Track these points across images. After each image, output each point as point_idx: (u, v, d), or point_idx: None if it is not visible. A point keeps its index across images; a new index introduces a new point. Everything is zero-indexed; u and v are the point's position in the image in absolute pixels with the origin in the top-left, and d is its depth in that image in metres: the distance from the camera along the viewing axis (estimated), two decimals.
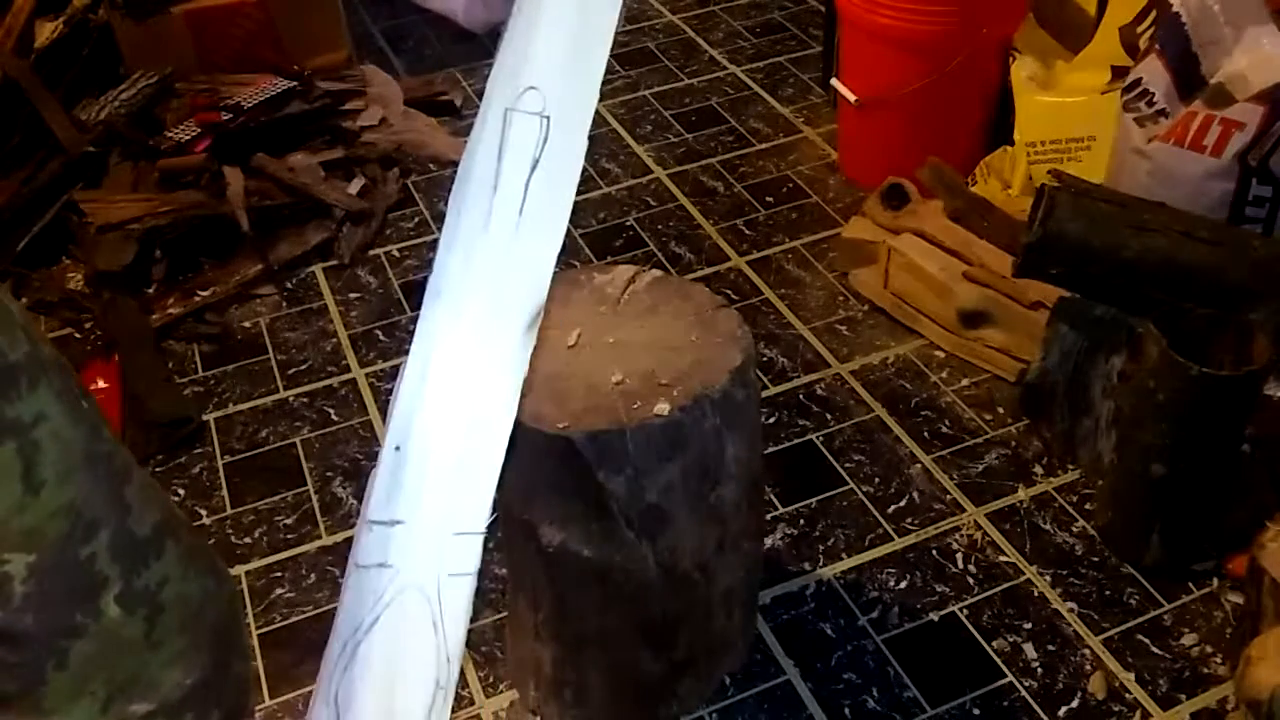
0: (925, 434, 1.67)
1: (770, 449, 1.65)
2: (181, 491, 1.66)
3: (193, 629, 0.71)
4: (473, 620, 1.44)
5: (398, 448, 0.62)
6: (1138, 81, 1.70)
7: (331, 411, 1.78)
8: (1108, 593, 1.43)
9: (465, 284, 0.67)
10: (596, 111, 2.73)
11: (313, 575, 1.52)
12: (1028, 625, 1.40)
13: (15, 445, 0.60)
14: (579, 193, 2.34)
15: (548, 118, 0.53)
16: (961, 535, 1.52)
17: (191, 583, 0.72)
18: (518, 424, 1.04)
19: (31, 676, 0.64)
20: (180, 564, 0.71)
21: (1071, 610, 1.41)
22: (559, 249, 0.61)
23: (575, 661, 1.26)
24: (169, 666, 0.70)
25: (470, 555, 0.57)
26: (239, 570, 1.52)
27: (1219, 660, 1.35)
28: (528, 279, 0.67)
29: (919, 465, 1.62)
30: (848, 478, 1.61)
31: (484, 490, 0.57)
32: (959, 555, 1.49)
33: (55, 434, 0.62)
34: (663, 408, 1.05)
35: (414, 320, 1.12)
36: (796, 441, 1.67)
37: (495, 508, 0.62)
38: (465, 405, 0.56)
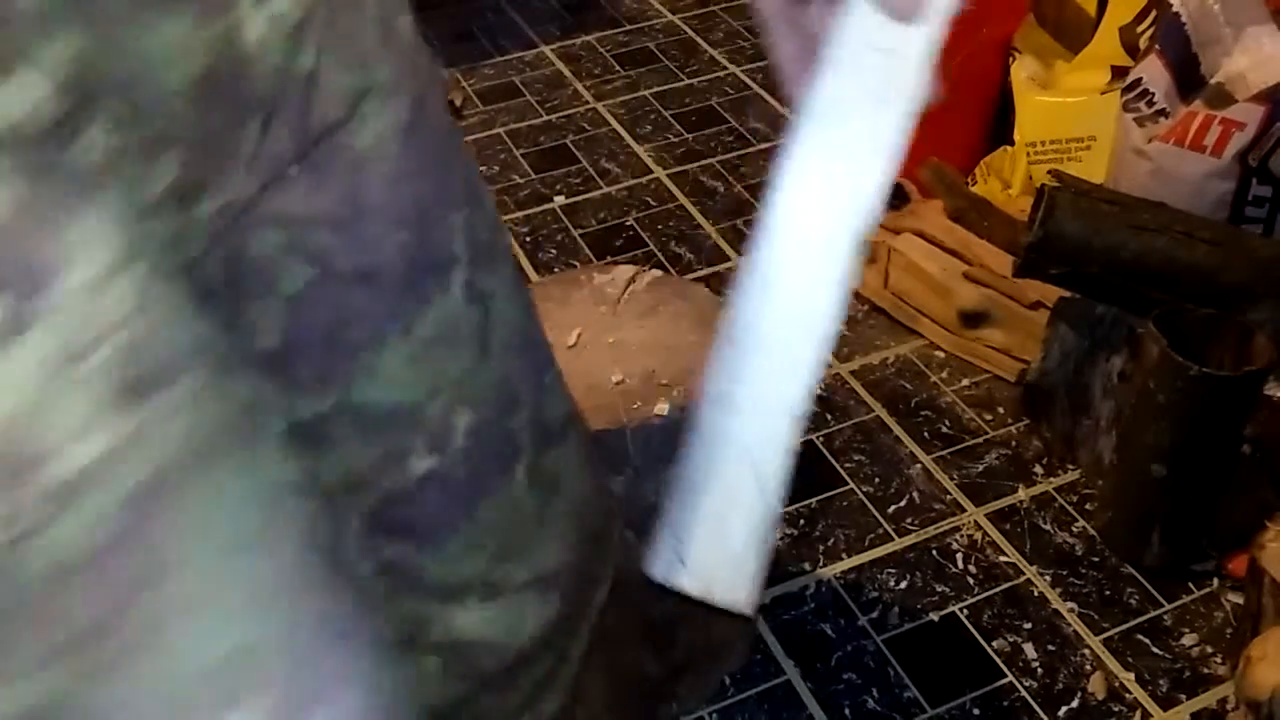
0: (925, 434, 1.67)
1: None
2: None
3: (576, 520, 0.77)
4: None
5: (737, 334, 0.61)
6: (1138, 81, 1.70)
7: None
8: (1108, 593, 1.43)
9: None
10: (596, 111, 2.74)
11: None
12: (1028, 625, 1.40)
13: (481, 313, 0.63)
14: (579, 193, 2.35)
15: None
16: (961, 535, 1.52)
17: (585, 481, 0.78)
18: None
19: (449, 522, 0.68)
20: (578, 458, 0.76)
21: (1071, 610, 1.41)
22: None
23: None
24: (550, 543, 0.74)
25: (793, 433, 0.58)
26: None
27: (1219, 660, 1.35)
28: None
29: (919, 465, 1.62)
30: (848, 478, 1.61)
31: (809, 378, 0.57)
32: (959, 555, 1.49)
33: (506, 311, 0.65)
34: (663, 408, 1.05)
35: None
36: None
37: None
38: (793, 301, 0.56)
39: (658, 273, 1.23)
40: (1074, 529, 1.52)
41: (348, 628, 0.50)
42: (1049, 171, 1.67)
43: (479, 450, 0.67)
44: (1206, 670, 1.34)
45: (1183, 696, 1.31)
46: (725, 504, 0.57)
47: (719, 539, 0.59)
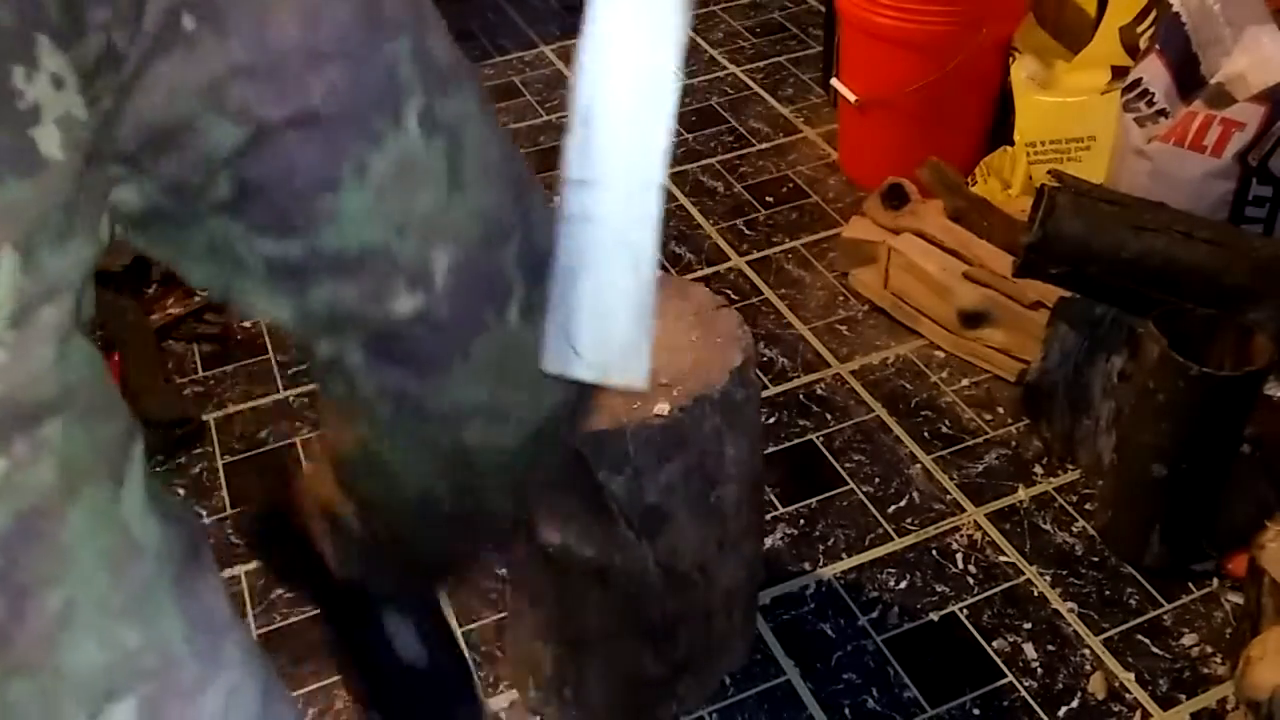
0: (925, 434, 1.67)
1: (770, 449, 1.65)
2: (182, 491, 1.66)
3: None
4: (473, 620, 1.45)
5: (584, 113, 0.61)
6: (1138, 81, 1.70)
7: None
8: (1108, 593, 1.43)
9: None
10: None
11: None
12: (1028, 625, 1.40)
13: (447, 143, 0.59)
14: None
15: None
16: (961, 535, 1.52)
17: None
18: None
19: (443, 359, 0.66)
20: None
21: (1071, 610, 1.41)
22: None
23: (575, 661, 1.26)
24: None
25: (656, 203, 0.59)
26: (239, 570, 1.52)
27: (1219, 660, 1.35)
28: None
29: (919, 465, 1.62)
30: (848, 478, 1.61)
31: (659, 144, 0.58)
32: (959, 555, 1.49)
33: (477, 138, 0.61)
34: (663, 408, 1.05)
35: None
36: (796, 441, 1.67)
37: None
38: (634, 68, 0.57)
39: (658, 273, 1.23)
40: (1074, 529, 1.52)
41: (217, 622, 0.54)
42: (1049, 171, 1.67)
43: (465, 287, 0.65)
44: (1206, 670, 1.34)
45: (1183, 696, 1.31)
46: (604, 285, 0.58)
47: (604, 320, 0.59)
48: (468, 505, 0.74)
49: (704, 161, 2.33)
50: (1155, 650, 1.36)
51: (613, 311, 0.58)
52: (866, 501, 1.57)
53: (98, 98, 0.45)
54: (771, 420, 1.71)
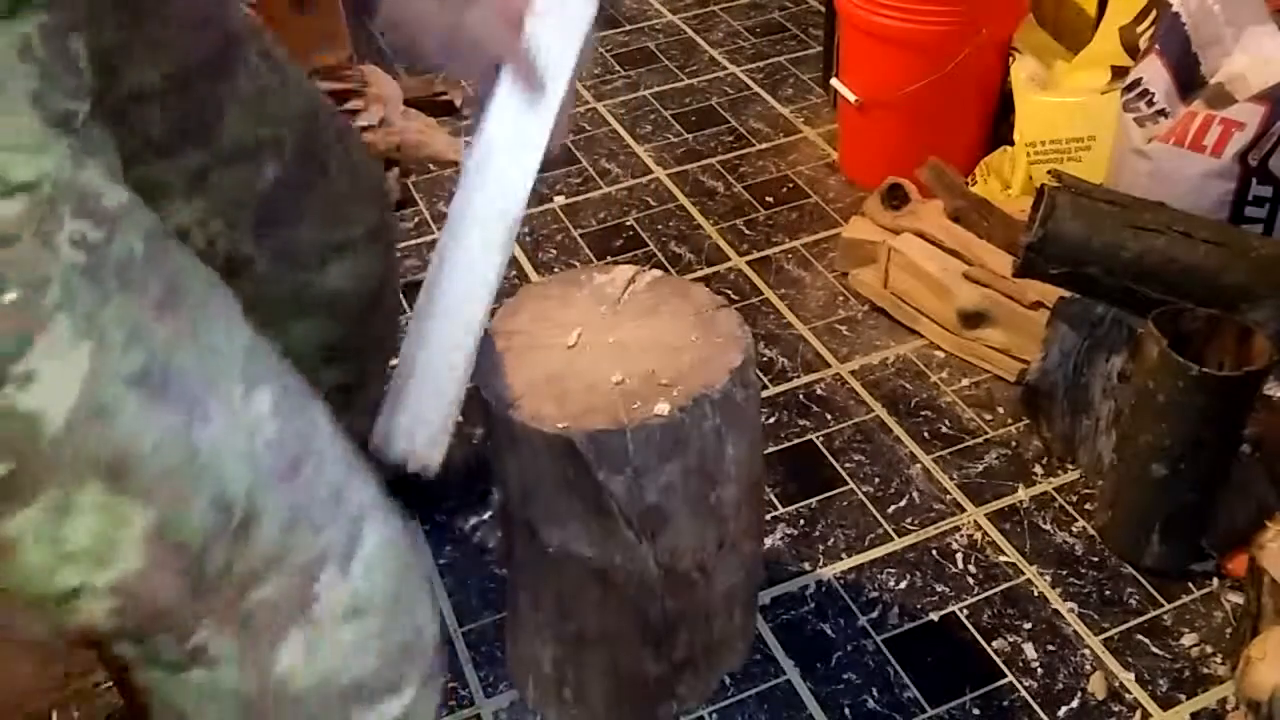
0: (925, 434, 1.67)
1: (770, 449, 1.65)
2: None
3: (375, 190, 1.18)
4: (473, 620, 1.44)
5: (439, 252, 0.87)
6: (1138, 81, 1.70)
7: None
8: (1108, 593, 1.43)
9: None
10: (596, 111, 2.75)
11: None
12: (1028, 625, 1.40)
13: (275, 69, 1.03)
14: (579, 193, 2.35)
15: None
16: (961, 535, 1.52)
17: (370, 164, 1.18)
18: (517, 424, 1.05)
19: (298, 207, 1.05)
20: (360, 147, 1.17)
21: (1071, 610, 1.41)
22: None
23: (575, 661, 1.26)
24: (366, 208, 1.11)
25: (472, 343, 0.88)
26: None
27: (1219, 660, 1.35)
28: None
29: (919, 465, 1.62)
30: (848, 478, 1.61)
31: (483, 302, 0.86)
32: (959, 555, 1.49)
33: (287, 62, 1.05)
34: (663, 408, 1.05)
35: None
36: (796, 441, 1.67)
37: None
38: (472, 244, 0.84)
39: (658, 273, 1.23)
40: (1074, 529, 1.52)
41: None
42: (1049, 171, 1.67)
43: (304, 154, 1.02)
44: (1206, 670, 1.34)
45: (1182, 696, 1.31)
46: (422, 396, 0.82)
47: (415, 422, 0.82)
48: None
49: (704, 161, 2.33)
50: (1155, 650, 1.36)
51: (420, 415, 0.82)
52: (866, 501, 1.57)
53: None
54: (771, 420, 1.71)
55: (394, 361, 0.86)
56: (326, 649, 0.67)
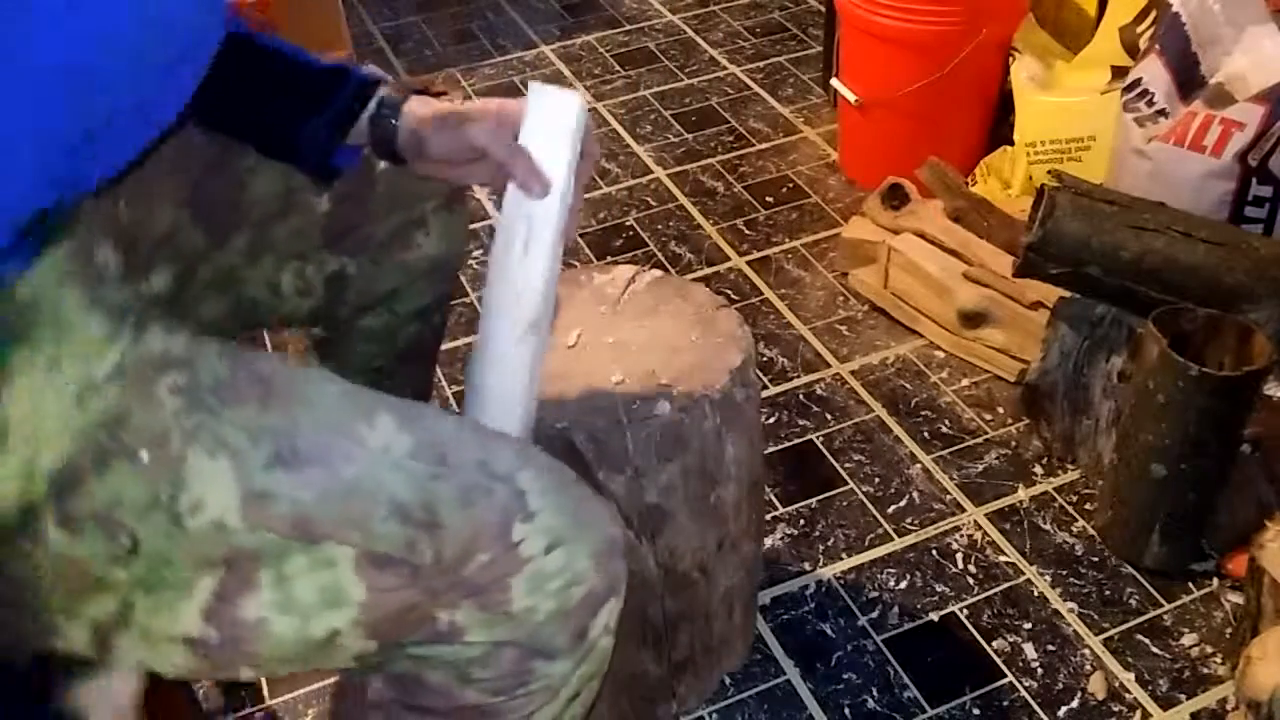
0: (925, 434, 1.67)
1: (770, 449, 1.65)
2: None
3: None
4: None
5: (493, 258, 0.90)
6: (1138, 81, 1.70)
7: None
8: (1108, 593, 1.43)
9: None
10: (596, 111, 2.74)
11: None
12: (1028, 625, 1.40)
13: None
14: None
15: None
16: (961, 535, 1.52)
17: None
18: None
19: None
20: None
21: (1071, 610, 1.41)
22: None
23: None
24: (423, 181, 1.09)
25: (537, 338, 0.91)
26: None
27: (1219, 660, 1.35)
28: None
29: (919, 465, 1.62)
30: (848, 478, 1.61)
31: (536, 293, 0.89)
32: (959, 555, 1.49)
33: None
34: (663, 408, 1.05)
35: None
36: (796, 441, 1.67)
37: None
38: (513, 260, 0.88)
39: (658, 273, 1.23)
40: (1074, 529, 1.52)
41: None
42: (1049, 171, 1.67)
43: None
44: (1206, 670, 1.34)
45: (1183, 696, 1.31)
46: (492, 389, 0.90)
47: (489, 420, 0.89)
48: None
49: (704, 161, 2.33)
50: (1155, 650, 1.36)
51: (497, 412, 0.89)
52: (866, 501, 1.57)
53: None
54: (771, 420, 1.71)
55: None
56: (547, 580, 0.76)
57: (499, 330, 0.89)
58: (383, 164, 1.08)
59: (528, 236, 0.88)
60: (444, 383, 1.82)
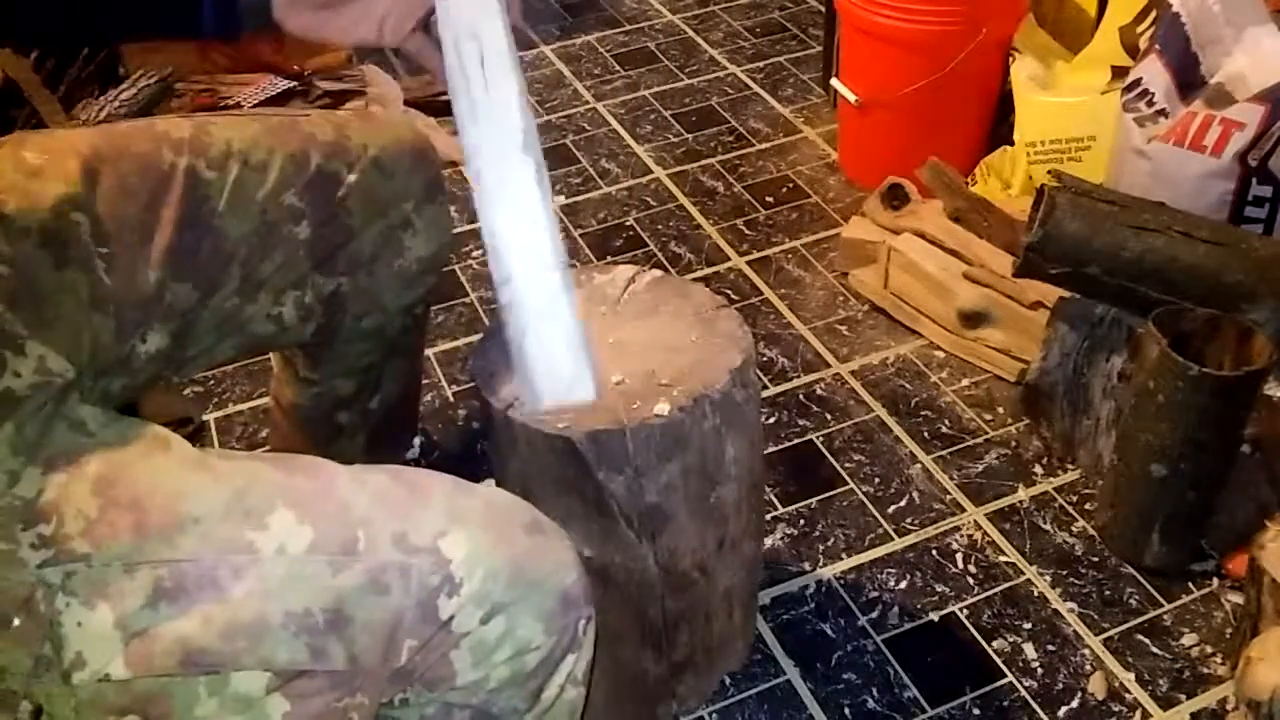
0: (925, 434, 1.67)
1: (770, 449, 1.65)
2: None
3: None
4: None
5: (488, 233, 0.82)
6: (1138, 81, 1.70)
7: None
8: (1108, 593, 1.43)
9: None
10: (596, 111, 2.74)
11: None
12: (1028, 625, 1.40)
13: None
14: (579, 192, 2.35)
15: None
16: (961, 535, 1.52)
17: None
18: (517, 424, 1.04)
19: None
20: None
21: (1071, 610, 1.41)
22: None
23: None
24: (398, 182, 1.14)
25: (559, 279, 0.80)
26: None
27: (1219, 660, 1.35)
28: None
29: (919, 465, 1.62)
30: (848, 478, 1.61)
31: (545, 243, 0.81)
32: (959, 555, 1.49)
33: None
34: (663, 408, 1.05)
35: None
36: (796, 441, 1.67)
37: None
38: (509, 205, 0.81)
39: (658, 273, 1.23)
40: (1074, 529, 1.52)
41: None
42: (1049, 171, 1.67)
43: (310, 187, 1.08)
44: (1206, 670, 1.34)
45: (1183, 696, 1.31)
46: (538, 345, 0.80)
47: (548, 368, 0.79)
48: None
49: (704, 161, 2.33)
50: (1155, 650, 1.36)
51: (550, 359, 0.79)
52: (866, 501, 1.57)
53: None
54: (771, 420, 1.71)
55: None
56: (491, 651, 0.72)
57: (490, 161, 0.82)
58: (351, 176, 1.07)
59: (480, 50, 0.84)
60: (444, 383, 1.82)
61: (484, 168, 0.81)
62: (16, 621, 0.64)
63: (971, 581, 1.46)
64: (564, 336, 0.80)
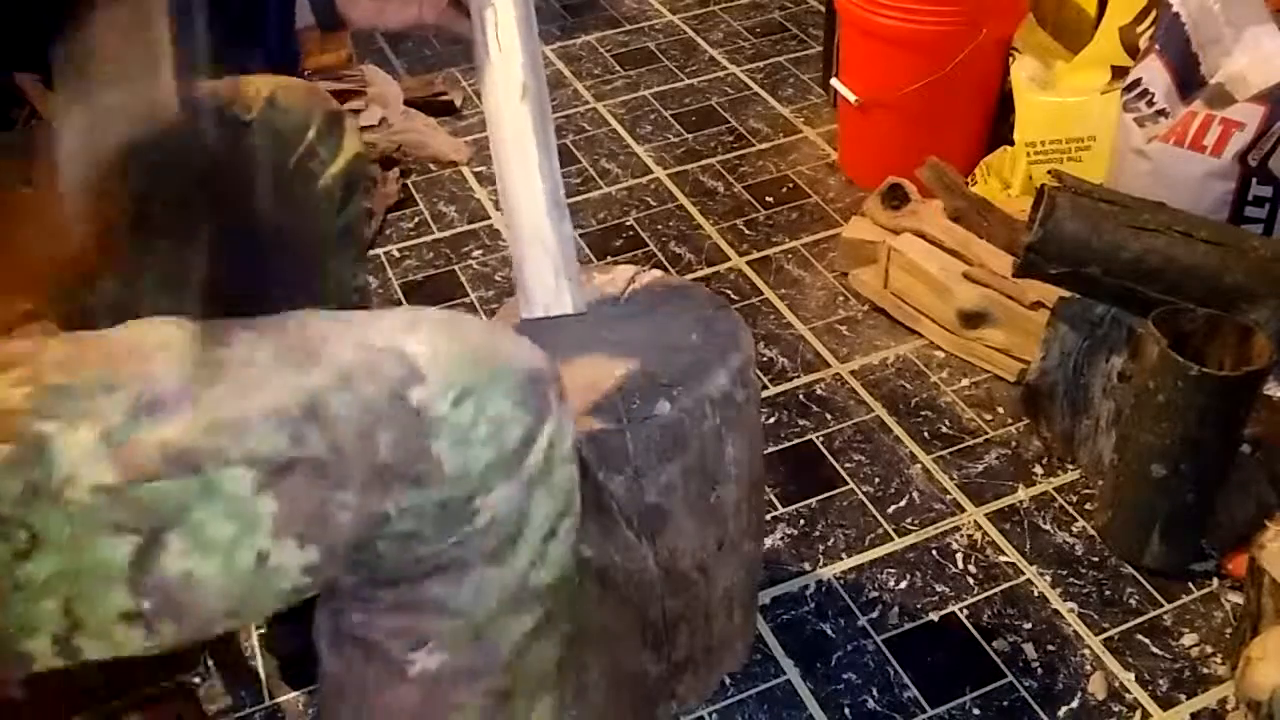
0: (925, 434, 1.67)
1: (770, 449, 1.65)
2: None
3: None
4: None
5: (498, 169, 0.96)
6: (1138, 81, 1.70)
7: None
8: (1108, 593, 1.43)
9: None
10: (596, 111, 2.74)
11: None
12: (1028, 625, 1.40)
13: None
14: (579, 193, 2.34)
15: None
16: (961, 535, 1.52)
17: None
18: None
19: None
20: None
21: (1071, 610, 1.41)
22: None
23: (575, 662, 1.26)
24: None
25: (554, 211, 0.96)
26: None
27: (1219, 660, 1.35)
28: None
29: (919, 465, 1.62)
30: (848, 478, 1.61)
31: (538, 187, 0.94)
32: (959, 555, 1.49)
33: None
34: (663, 408, 1.05)
35: None
36: (796, 441, 1.67)
37: None
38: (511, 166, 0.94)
39: (658, 273, 1.23)
40: (1074, 529, 1.52)
41: None
42: (1049, 171, 1.67)
43: (161, 171, 0.95)
44: (1206, 670, 1.34)
45: (1183, 696, 1.31)
46: (529, 265, 0.96)
47: (536, 282, 0.96)
48: None
49: (704, 161, 2.33)
50: (1155, 650, 1.36)
51: (540, 276, 0.96)
52: (866, 501, 1.57)
53: None
54: (771, 420, 1.71)
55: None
56: (468, 432, 0.74)
57: (494, 111, 0.94)
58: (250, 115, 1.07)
59: (495, 18, 0.94)
60: None
61: (491, 118, 0.94)
62: (5, 450, 0.66)
63: (971, 581, 1.46)
64: (550, 259, 0.95)
